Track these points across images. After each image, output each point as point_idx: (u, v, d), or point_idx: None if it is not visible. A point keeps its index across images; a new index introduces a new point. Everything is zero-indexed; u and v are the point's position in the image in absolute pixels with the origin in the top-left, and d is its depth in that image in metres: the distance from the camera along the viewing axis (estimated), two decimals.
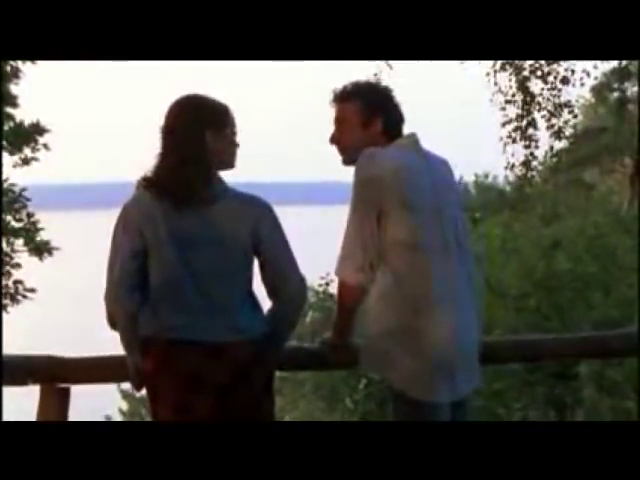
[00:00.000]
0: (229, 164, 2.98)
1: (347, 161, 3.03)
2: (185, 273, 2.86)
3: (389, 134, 2.99)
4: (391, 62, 10.27)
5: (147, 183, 2.89)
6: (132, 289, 2.87)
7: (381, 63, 10.26)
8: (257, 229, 2.90)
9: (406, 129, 3.04)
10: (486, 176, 24.07)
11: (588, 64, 13.09)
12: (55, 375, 3.10)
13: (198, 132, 2.85)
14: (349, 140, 3.00)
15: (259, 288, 2.97)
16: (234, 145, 2.98)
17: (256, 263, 2.96)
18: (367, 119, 2.98)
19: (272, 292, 2.97)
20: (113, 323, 2.90)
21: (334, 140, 3.04)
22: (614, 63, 12.81)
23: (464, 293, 2.90)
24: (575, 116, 12.67)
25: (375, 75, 10.02)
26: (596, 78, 15.18)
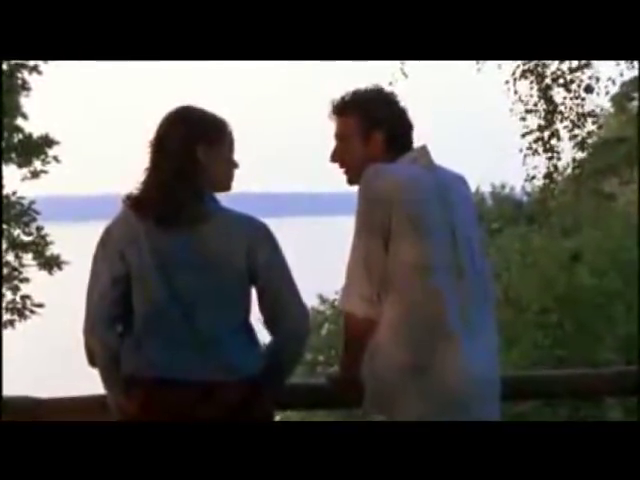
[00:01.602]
0: (224, 185, 2.80)
1: (351, 180, 2.88)
2: (171, 302, 2.67)
3: (394, 148, 2.81)
4: (407, 71, 10.30)
5: (131, 201, 2.73)
6: (112, 322, 2.71)
7: (396, 71, 10.30)
8: (254, 252, 2.71)
9: (421, 140, 2.88)
10: (503, 187, 24.15)
11: (614, 72, 13.02)
12: (30, 416, 2.97)
13: (188, 145, 2.70)
14: (350, 157, 2.85)
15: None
16: (230, 165, 2.81)
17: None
18: (367, 133, 2.82)
19: (271, 324, 2.76)
20: (92, 359, 2.73)
21: (335, 158, 2.90)
22: (636, 72, 12.74)
23: (481, 321, 2.71)
24: (600, 127, 12.62)
25: (390, 84, 10.04)
26: (622, 86, 15.09)
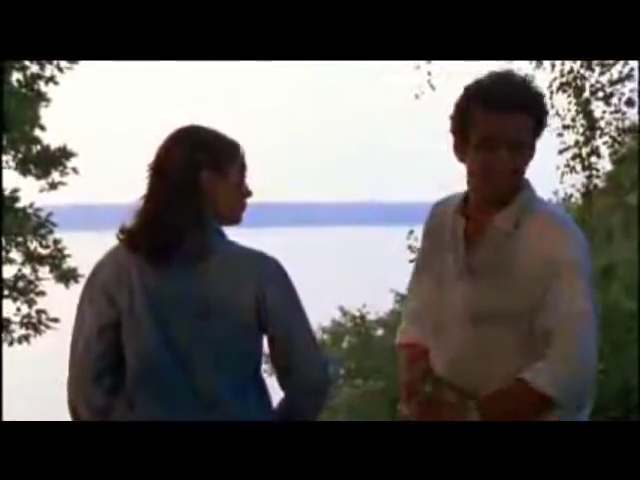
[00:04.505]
0: (232, 216, 2.59)
1: (500, 193, 2.60)
2: (168, 355, 2.46)
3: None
4: (434, 83, 10.32)
5: (124, 236, 2.51)
6: (99, 377, 2.50)
7: (424, 83, 10.32)
8: (263, 294, 2.48)
9: (448, 153, 2.69)
10: None
11: None
12: None
13: (190, 170, 2.49)
14: (514, 167, 2.55)
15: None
16: (241, 193, 2.59)
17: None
18: (534, 140, 2.57)
19: (283, 379, 2.55)
20: (77, 418, 2.56)
21: (506, 167, 2.53)
22: None
23: None
24: None
25: (416, 97, 10.08)
26: None
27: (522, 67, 10.90)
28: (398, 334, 2.91)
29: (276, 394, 2.63)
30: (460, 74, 2.65)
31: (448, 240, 2.69)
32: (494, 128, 2.49)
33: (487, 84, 2.52)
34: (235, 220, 2.60)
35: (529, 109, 2.51)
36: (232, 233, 2.65)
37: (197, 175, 2.49)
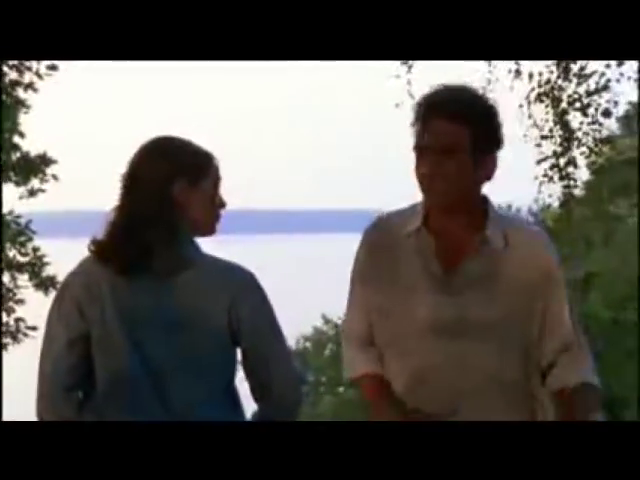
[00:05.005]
0: (206, 227, 2.56)
1: (440, 202, 2.58)
2: (139, 367, 2.44)
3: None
4: (413, 92, 10.33)
5: (95, 247, 2.49)
6: (69, 392, 2.49)
7: (403, 93, 10.33)
8: (236, 308, 2.46)
9: None
10: (509, 207, 24.28)
11: (633, 95, 13.05)
12: None
13: (162, 182, 2.46)
14: (452, 176, 2.52)
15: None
16: (215, 204, 2.56)
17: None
18: (479, 152, 2.54)
19: (256, 392, 2.54)
20: None
21: (436, 171, 2.52)
22: None
23: None
24: (619, 153, 12.64)
25: (397, 106, 10.07)
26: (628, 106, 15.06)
27: (500, 77, 11.00)
28: (347, 365, 2.87)
29: (250, 403, 2.61)
30: (436, 83, 2.61)
31: (408, 256, 2.66)
32: (418, 135, 2.56)
33: (426, 95, 2.59)
34: (209, 231, 2.58)
35: (460, 118, 2.51)
36: (225, 240, 2.63)
37: (170, 187, 2.48)
